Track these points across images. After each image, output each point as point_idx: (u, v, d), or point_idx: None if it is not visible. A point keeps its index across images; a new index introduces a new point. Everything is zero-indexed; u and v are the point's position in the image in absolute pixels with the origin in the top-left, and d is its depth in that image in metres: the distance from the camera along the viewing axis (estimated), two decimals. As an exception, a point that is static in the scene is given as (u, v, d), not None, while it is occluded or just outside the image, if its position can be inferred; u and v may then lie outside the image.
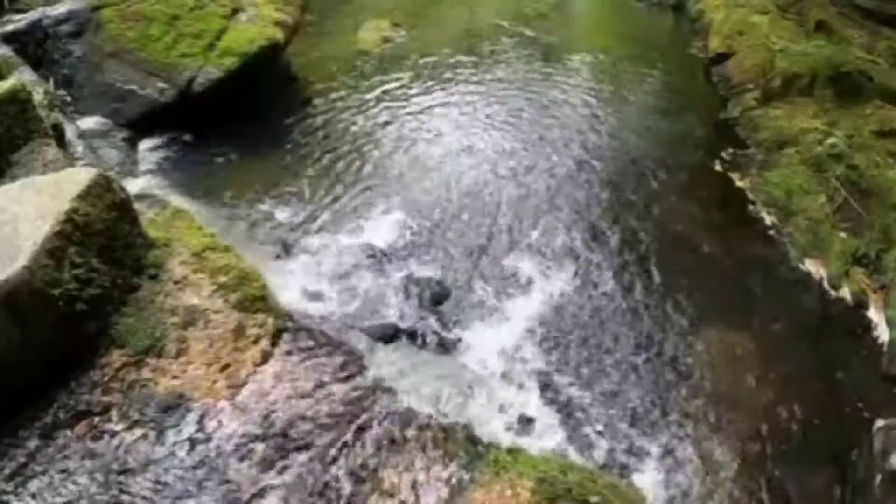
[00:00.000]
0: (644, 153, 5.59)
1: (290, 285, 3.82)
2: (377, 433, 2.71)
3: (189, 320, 2.88)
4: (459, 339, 3.79)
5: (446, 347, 3.75)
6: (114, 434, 2.53)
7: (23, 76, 4.04)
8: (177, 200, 3.76)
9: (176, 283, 3.00)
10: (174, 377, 2.71)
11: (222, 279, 3.05)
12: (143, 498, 2.39)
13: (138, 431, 2.55)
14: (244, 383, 2.76)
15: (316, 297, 3.86)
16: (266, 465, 2.53)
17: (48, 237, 2.59)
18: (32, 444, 2.46)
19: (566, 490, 2.55)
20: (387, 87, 6.02)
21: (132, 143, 4.77)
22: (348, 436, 2.67)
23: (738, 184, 5.37)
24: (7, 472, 2.38)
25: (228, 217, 4.37)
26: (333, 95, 5.79)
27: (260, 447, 2.58)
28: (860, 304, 4.41)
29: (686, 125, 6.04)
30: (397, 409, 2.83)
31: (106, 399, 2.61)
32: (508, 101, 6.07)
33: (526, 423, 3.39)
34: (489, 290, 4.14)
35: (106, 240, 2.84)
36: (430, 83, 6.15)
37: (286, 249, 4.19)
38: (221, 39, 5.14)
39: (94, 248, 2.78)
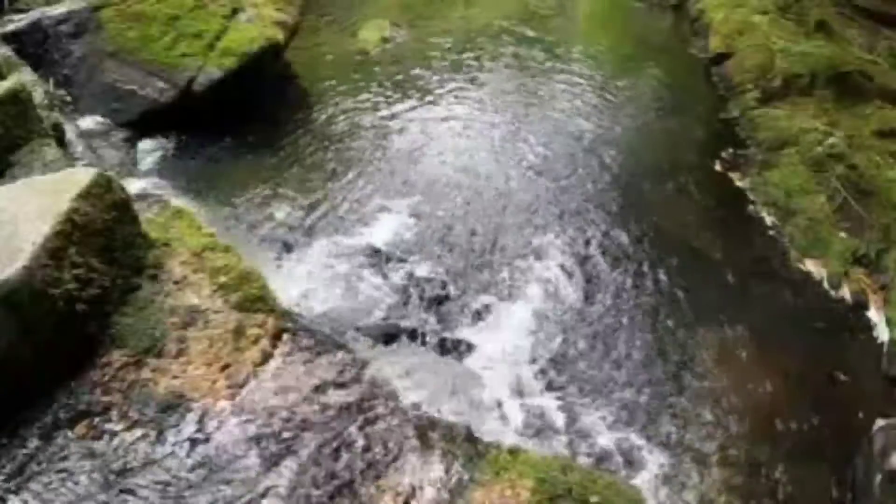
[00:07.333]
0: (644, 153, 5.58)
1: (290, 285, 3.82)
2: (377, 433, 2.71)
3: (189, 320, 2.88)
4: (460, 339, 3.79)
5: (447, 348, 3.75)
6: (114, 434, 2.53)
7: (23, 76, 4.03)
8: (177, 200, 3.75)
9: (176, 283, 2.99)
10: (174, 377, 2.71)
11: (222, 279, 3.05)
12: (143, 498, 2.39)
13: (138, 431, 2.55)
14: (244, 383, 2.76)
15: (316, 297, 3.86)
16: (266, 465, 2.53)
17: (48, 237, 2.59)
18: (32, 444, 2.46)
19: (566, 490, 2.55)
20: (387, 86, 6.01)
21: (132, 143, 4.76)
22: (348, 436, 2.67)
23: (738, 184, 5.36)
24: (7, 472, 2.37)
25: (228, 217, 4.37)
26: (333, 95, 5.79)
27: (260, 447, 2.58)
28: (860, 304, 4.41)
29: (686, 125, 6.03)
30: (397, 410, 2.83)
31: (106, 399, 2.61)
32: (509, 100, 6.07)
33: (525, 421, 3.40)
34: (490, 289, 4.14)
35: (106, 240, 2.84)
36: (430, 83, 6.15)
37: (286, 249, 4.19)
38: (221, 39, 5.13)
39: (94, 248, 2.78)
